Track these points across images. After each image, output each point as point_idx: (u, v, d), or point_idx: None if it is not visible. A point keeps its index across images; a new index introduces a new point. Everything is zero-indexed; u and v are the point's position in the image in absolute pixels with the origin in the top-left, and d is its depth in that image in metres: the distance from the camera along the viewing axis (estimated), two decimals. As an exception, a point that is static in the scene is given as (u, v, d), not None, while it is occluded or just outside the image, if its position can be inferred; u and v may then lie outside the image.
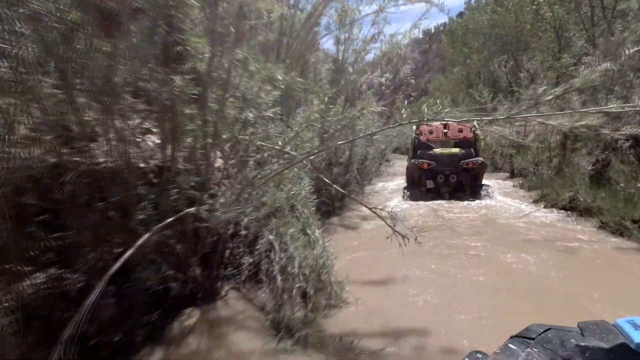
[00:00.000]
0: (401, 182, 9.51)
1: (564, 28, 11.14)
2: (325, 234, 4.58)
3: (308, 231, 3.02)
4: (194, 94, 1.94)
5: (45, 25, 1.57)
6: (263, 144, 2.57)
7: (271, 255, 2.68)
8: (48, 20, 1.55)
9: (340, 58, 5.73)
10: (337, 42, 5.64)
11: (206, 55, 1.99)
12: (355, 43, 5.80)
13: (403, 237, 2.17)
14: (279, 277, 2.49)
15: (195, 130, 2.21)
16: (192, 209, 2.04)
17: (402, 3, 4.69)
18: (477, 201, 7.27)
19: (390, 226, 2.23)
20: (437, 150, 7.87)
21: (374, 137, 7.26)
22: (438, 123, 7.95)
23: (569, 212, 5.62)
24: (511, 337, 0.61)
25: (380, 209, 2.33)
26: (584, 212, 5.34)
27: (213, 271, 2.63)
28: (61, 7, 1.42)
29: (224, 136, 2.47)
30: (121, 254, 1.82)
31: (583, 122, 1.41)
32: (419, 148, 8.06)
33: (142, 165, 2.20)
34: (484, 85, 13.25)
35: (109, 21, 1.45)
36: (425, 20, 5.26)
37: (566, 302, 2.90)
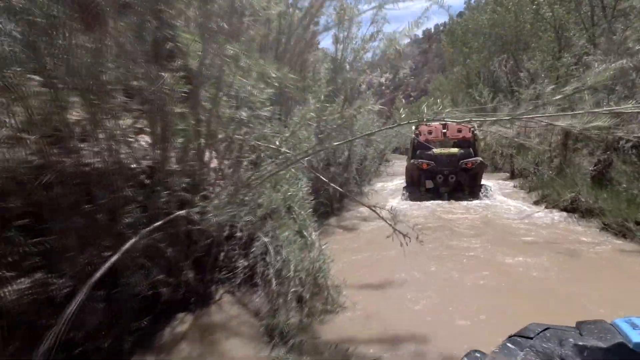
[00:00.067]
0: (401, 182, 9.47)
1: (564, 28, 11.07)
2: (324, 236, 4.52)
3: (305, 233, 2.96)
4: (185, 92, 1.87)
5: (25, 20, 1.50)
6: (259, 142, 2.50)
7: (267, 258, 2.62)
8: (29, 14, 1.48)
9: (339, 57, 5.67)
10: (336, 40, 5.59)
11: (198, 53, 1.92)
12: (354, 42, 5.76)
13: (404, 235, 2.10)
14: (274, 281, 2.43)
15: (187, 129, 2.14)
16: (183, 212, 1.97)
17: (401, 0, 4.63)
18: (477, 201, 7.26)
19: (390, 225, 2.16)
20: (436, 151, 7.90)
21: (373, 137, 7.22)
22: (437, 123, 7.93)
23: (571, 213, 5.56)
24: (510, 337, 0.61)
25: (379, 208, 2.26)
26: (586, 213, 5.27)
27: (207, 275, 2.56)
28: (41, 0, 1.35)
29: (220, 136, 2.41)
30: (111, 258, 1.75)
31: (595, 124, 1.34)
32: (418, 148, 8.10)
33: (133, 166, 2.13)
34: (483, 85, 13.20)
35: (91, 15, 1.38)
36: (425, 19, 5.21)
37: (568, 305, 2.84)
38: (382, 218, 2.22)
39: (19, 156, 1.71)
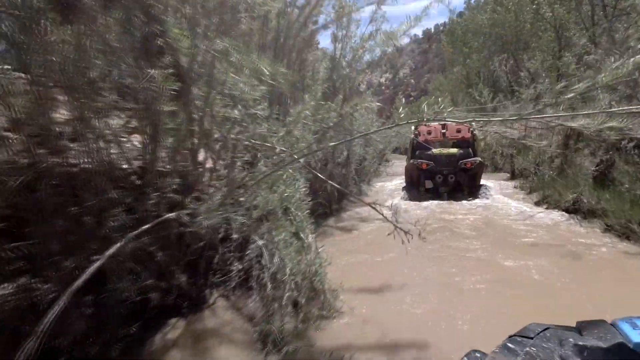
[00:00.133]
0: (400, 182, 9.45)
1: (564, 27, 11.00)
2: (322, 237, 4.45)
3: (302, 235, 2.89)
4: (175, 90, 1.80)
5: (8, 13, 1.43)
6: (254, 141, 2.43)
7: (262, 260, 2.54)
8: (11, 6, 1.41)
9: (337, 56, 5.60)
10: (335, 39, 5.52)
11: (189, 49, 1.85)
12: (353, 41, 5.70)
13: (406, 233, 2.03)
14: (269, 285, 2.35)
15: (179, 129, 2.06)
16: (172, 214, 1.90)
17: (400, -1, 4.55)
18: (477, 201, 7.25)
19: (391, 222, 2.09)
20: (436, 151, 7.92)
21: (372, 137, 7.15)
22: (436, 123, 7.91)
23: (572, 214, 5.48)
24: (510, 337, 0.61)
25: (379, 205, 2.20)
26: (588, 214, 5.20)
27: (200, 278, 2.49)
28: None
29: (215, 135, 2.34)
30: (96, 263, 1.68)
31: (610, 124, 1.26)
32: (417, 148, 8.12)
33: (125, 166, 2.06)
34: (483, 85, 13.14)
35: (73, 8, 1.30)
36: (425, 17, 5.13)
37: (568, 306, 2.79)
38: (383, 215, 2.15)
39: (2, 157, 1.65)
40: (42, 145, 1.79)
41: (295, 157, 2.32)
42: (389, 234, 2.06)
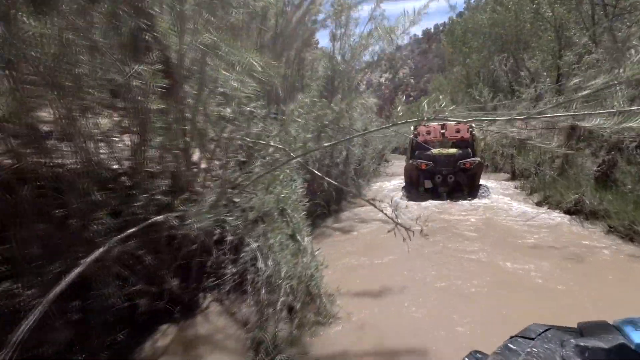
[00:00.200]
0: (399, 182, 9.40)
1: (564, 27, 10.93)
2: (320, 239, 4.38)
3: (298, 237, 2.81)
4: (164, 87, 1.73)
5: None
6: (248, 140, 2.35)
7: (257, 264, 2.47)
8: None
9: (336, 54, 5.54)
10: (333, 38, 5.45)
11: (177, 44, 1.77)
12: (351, 39, 5.63)
13: (407, 229, 1.96)
14: (263, 289, 2.28)
15: (170, 128, 1.99)
16: (160, 217, 1.82)
17: (399, -3, 4.49)
18: (476, 201, 7.20)
19: (391, 218, 2.02)
20: (435, 151, 7.90)
21: (371, 137, 7.07)
22: (436, 124, 7.85)
23: (574, 215, 5.40)
24: (511, 337, 0.61)
25: (379, 201, 2.13)
26: (590, 215, 5.12)
27: (193, 282, 2.41)
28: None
29: (211, 135, 2.26)
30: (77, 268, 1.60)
31: (628, 124, 1.19)
32: (416, 148, 8.09)
33: (115, 167, 1.99)
34: (483, 85, 13.07)
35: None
36: (425, 16, 5.07)
37: (569, 307, 2.74)
38: (383, 212, 2.08)
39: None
40: (26, 145, 1.72)
41: (292, 155, 2.25)
42: (389, 231, 2.00)
